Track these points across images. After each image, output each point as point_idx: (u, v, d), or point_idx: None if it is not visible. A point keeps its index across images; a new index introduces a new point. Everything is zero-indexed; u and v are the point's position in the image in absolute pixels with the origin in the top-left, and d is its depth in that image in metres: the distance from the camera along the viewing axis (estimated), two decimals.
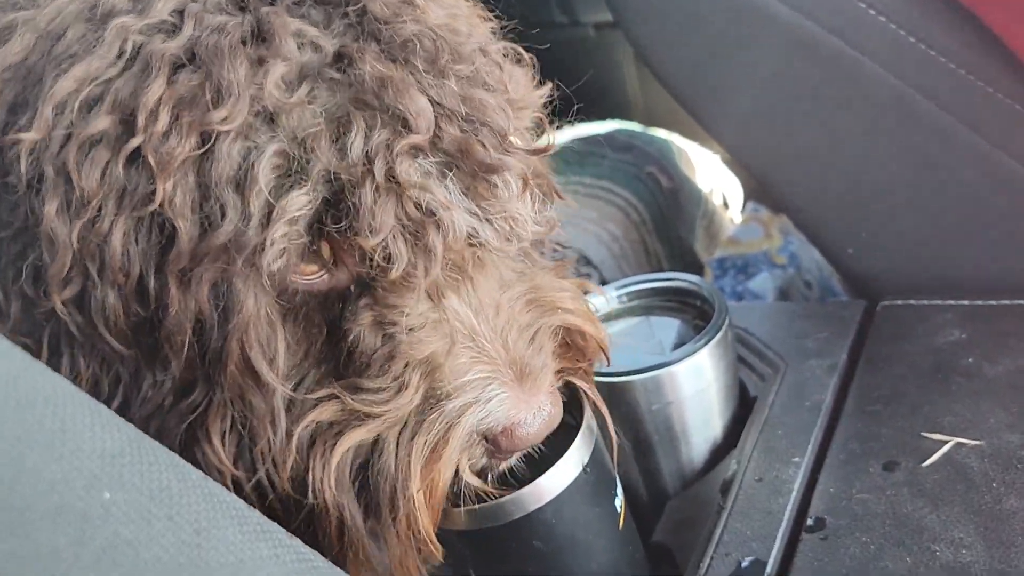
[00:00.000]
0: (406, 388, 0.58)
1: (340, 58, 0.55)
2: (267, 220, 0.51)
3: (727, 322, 0.79)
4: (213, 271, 0.52)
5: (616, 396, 0.78)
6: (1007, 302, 0.83)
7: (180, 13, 0.54)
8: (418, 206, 0.54)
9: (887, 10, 0.85)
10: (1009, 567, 0.61)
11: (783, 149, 0.99)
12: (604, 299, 0.87)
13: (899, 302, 0.89)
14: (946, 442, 0.71)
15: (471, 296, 0.60)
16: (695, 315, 0.85)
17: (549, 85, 0.69)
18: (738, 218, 1.59)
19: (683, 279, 0.87)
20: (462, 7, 0.64)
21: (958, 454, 0.70)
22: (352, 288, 0.58)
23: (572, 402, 0.69)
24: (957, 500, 0.67)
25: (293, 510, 0.58)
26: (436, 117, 0.55)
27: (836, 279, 1.30)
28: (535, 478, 0.62)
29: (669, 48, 1.03)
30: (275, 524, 0.40)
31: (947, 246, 0.91)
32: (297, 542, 0.40)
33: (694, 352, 0.78)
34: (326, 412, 0.57)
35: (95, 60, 0.53)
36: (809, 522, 0.69)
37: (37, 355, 0.56)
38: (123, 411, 0.56)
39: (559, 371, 0.65)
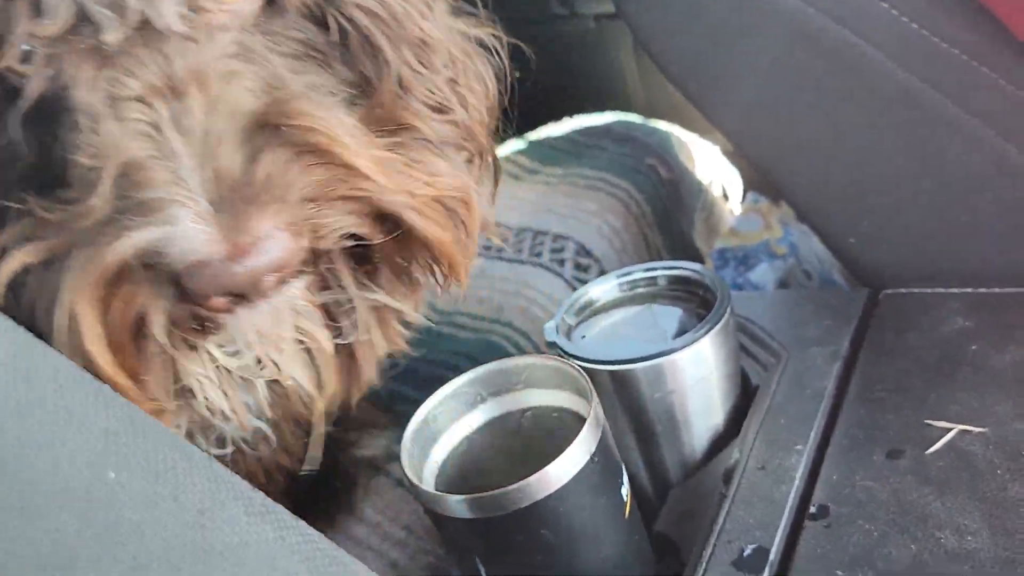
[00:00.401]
0: (95, 196, 0.54)
1: None
2: None
3: (729, 310, 0.79)
4: None
5: (618, 384, 0.77)
6: (1012, 290, 0.83)
7: None
8: None
9: (894, 0, 0.85)
10: (1014, 554, 0.61)
11: (786, 138, 0.98)
12: (607, 288, 0.87)
13: (902, 291, 0.89)
14: (950, 430, 0.71)
15: (183, 108, 0.56)
16: (697, 304, 0.85)
17: None
18: (738, 210, 1.59)
19: (685, 267, 0.87)
20: None
21: (962, 442, 0.70)
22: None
23: (580, 391, 0.69)
24: (962, 487, 0.66)
25: None
26: None
27: (836, 270, 1.30)
28: (543, 467, 0.61)
29: (671, 37, 1.03)
30: (279, 505, 0.40)
31: (952, 235, 0.90)
32: (301, 523, 0.40)
33: (696, 340, 0.77)
34: (18, 228, 0.55)
35: None
36: (812, 510, 0.69)
37: None
38: None
39: (309, 205, 0.58)
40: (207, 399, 0.63)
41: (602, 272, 1.38)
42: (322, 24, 0.68)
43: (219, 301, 0.56)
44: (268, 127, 0.57)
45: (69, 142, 0.56)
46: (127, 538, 0.34)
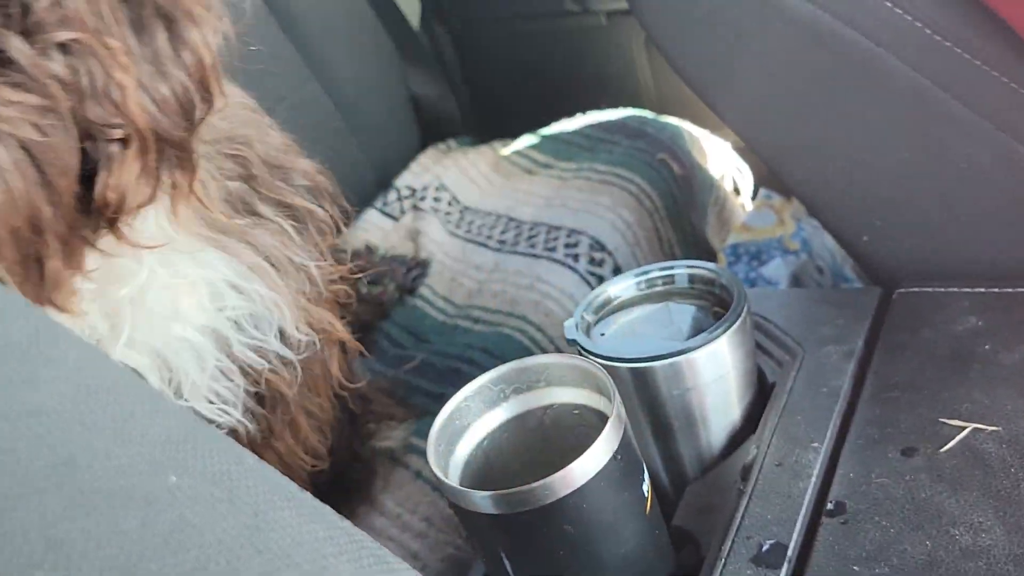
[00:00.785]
0: None
1: None
2: None
3: (746, 309, 0.81)
4: None
5: (638, 381, 0.79)
6: (1023, 289, 0.84)
7: None
8: None
9: (902, 1, 0.86)
10: None
11: (798, 137, 1.00)
12: (625, 286, 0.89)
13: (915, 289, 0.90)
14: (964, 428, 0.72)
15: None
16: (714, 302, 0.86)
17: None
18: (749, 205, 1.61)
19: (701, 266, 0.88)
20: None
21: (976, 440, 0.71)
22: None
23: (600, 389, 0.70)
24: (975, 485, 0.68)
25: None
26: None
27: (849, 265, 1.31)
28: (565, 463, 0.63)
29: (684, 38, 1.04)
30: (327, 506, 0.42)
31: (964, 234, 0.92)
32: (347, 523, 0.42)
33: (714, 339, 0.79)
34: None
35: None
36: (829, 506, 0.71)
37: None
38: None
39: None
40: None
41: (616, 266, 1.39)
42: None
43: None
44: None
45: None
46: (188, 539, 0.35)
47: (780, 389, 0.83)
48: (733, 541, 0.70)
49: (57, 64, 0.57)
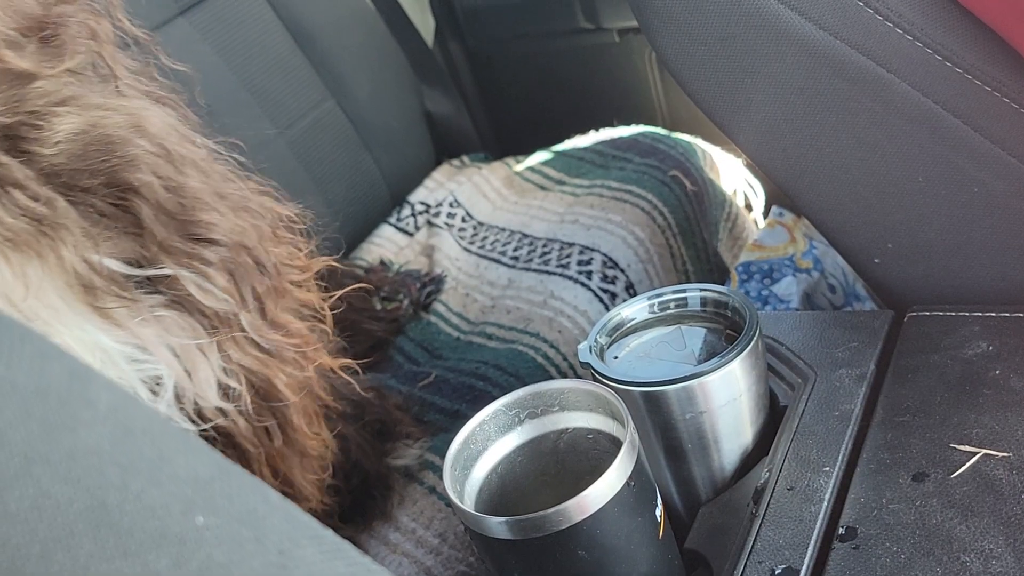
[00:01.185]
0: None
1: None
2: None
3: (758, 333, 0.81)
4: None
5: (650, 404, 0.80)
6: None
7: None
8: None
9: (913, 29, 0.87)
10: None
11: (810, 161, 1.00)
12: (638, 308, 0.90)
13: (926, 313, 0.91)
14: (975, 454, 0.73)
15: None
16: (726, 325, 0.87)
17: None
18: (761, 221, 1.61)
19: (714, 289, 0.89)
20: None
21: (986, 466, 0.72)
22: None
23: (614, 414, 0.71)
24: (986, 511, 0.69)
25: None
26: None
27: (860, 284, 1.32)
28: (578, 487, 0.64)
29: (694, 58, 1.05)
30: (347, 543, 0.43)
31: (975, 258, 0.92)
32: (367, 559, 0.43)
33: (726, 363, 0.80)
34: None
35: None
36: (841, 531, 0.71)
37: None
38: None
39: None
40: None
41: (629, 283, 1.40)
42: None
43: None
44: None
45: None
46: None
47: (792, 412, 0.84)
48: (745, 565, 0.71)
49: None
